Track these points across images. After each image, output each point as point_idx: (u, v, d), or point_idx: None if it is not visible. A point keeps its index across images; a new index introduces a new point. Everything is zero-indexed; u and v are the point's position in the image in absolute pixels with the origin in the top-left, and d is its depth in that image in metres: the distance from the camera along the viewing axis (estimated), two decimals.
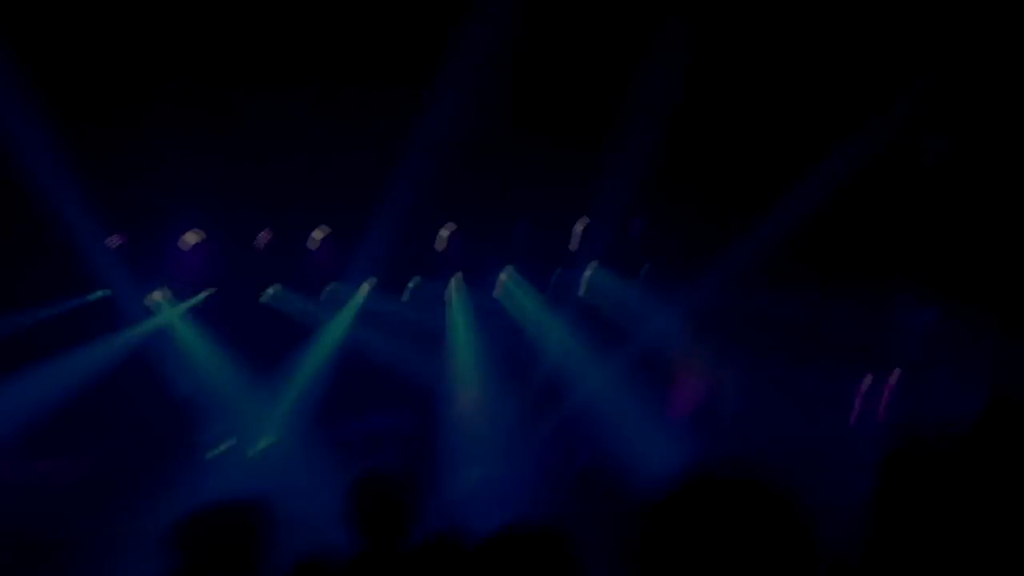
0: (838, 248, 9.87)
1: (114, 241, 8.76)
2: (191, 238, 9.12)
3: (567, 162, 9.12)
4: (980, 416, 3.81)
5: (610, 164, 8.88)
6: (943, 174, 9.09)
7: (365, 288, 9.93)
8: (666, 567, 1.61)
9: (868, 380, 8.37)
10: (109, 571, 5.38)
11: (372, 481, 2.91)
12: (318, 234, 9.62)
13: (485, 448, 7.67)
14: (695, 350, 7.52)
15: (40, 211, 7.50)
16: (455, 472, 7.16)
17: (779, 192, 9.17)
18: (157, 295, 9.16)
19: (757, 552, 1.49)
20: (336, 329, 9.62)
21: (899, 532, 2.11)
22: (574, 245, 10.45)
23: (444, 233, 10.07)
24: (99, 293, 8.78)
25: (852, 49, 7.86)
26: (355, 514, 2.88)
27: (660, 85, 7.73)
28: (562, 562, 2.49)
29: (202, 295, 9.31)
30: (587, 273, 10.66)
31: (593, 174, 9.19)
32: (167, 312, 9.19)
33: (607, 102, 8.22)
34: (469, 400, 8.28)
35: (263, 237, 9.39)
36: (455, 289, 10.35)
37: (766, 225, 9.30)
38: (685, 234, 10.32)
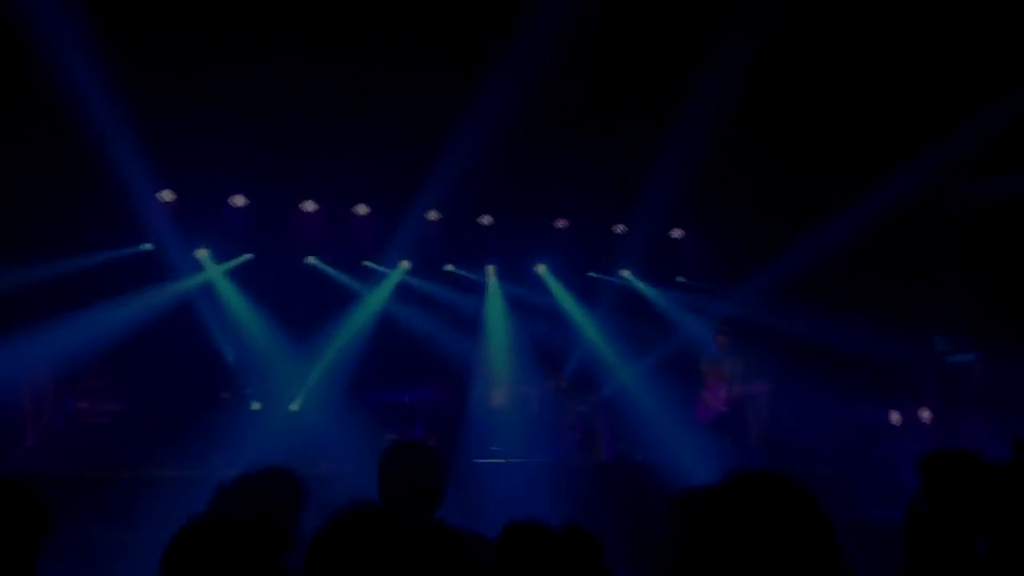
0: (881, 278, 9.82)
1: (164, 197, 8.95)
2: (238, 200, 9.28)
3: (612, 166, 9.17)
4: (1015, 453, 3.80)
5: (654, 171, 8.88)
6: (991, 215, 9.01)
7: (403, 266, 10.07)
8: (700, 563, 1.65)
9: (899, 415, 8.30)
10: (142, 513, 5.53)
11: (404, 449, 2.84)
12: (361, 209, 9.75)
13: (511, 432, 7.75)
14: (728, 359, 7.51)
15: (97, 163, 7.68)
16: (479, 452, 7.24)
17: (824, 215, 9.15)
18: (202, 252, 9.34)
19: (786, 551, 1.53)
20: (373, 303, 9.74)
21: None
22: (612, 247, 10.51)
23: (485, 221, 10.16)
24: (147, 246, 8.99)
25: (906, 86, 7.82)
26: (387, 479, 2.79)
27: (711, 98, 7.71)
28: (592, 559, 2.54)
29: (243, 257, 9.50)
30: (623, 274, 10.71)
31: (636, 180, 9.21)
32: (210, 270, 9.37)
33: (657, 109, 8.22)
34: (500, 385, 8.36)
35: (308, 207, 9.54)
36: (491, 277, 10.45)
37: (808, 245, 9.28)
38: (725, 246, 10.35)
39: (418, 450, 2.73)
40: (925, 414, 7.84)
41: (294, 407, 7.87)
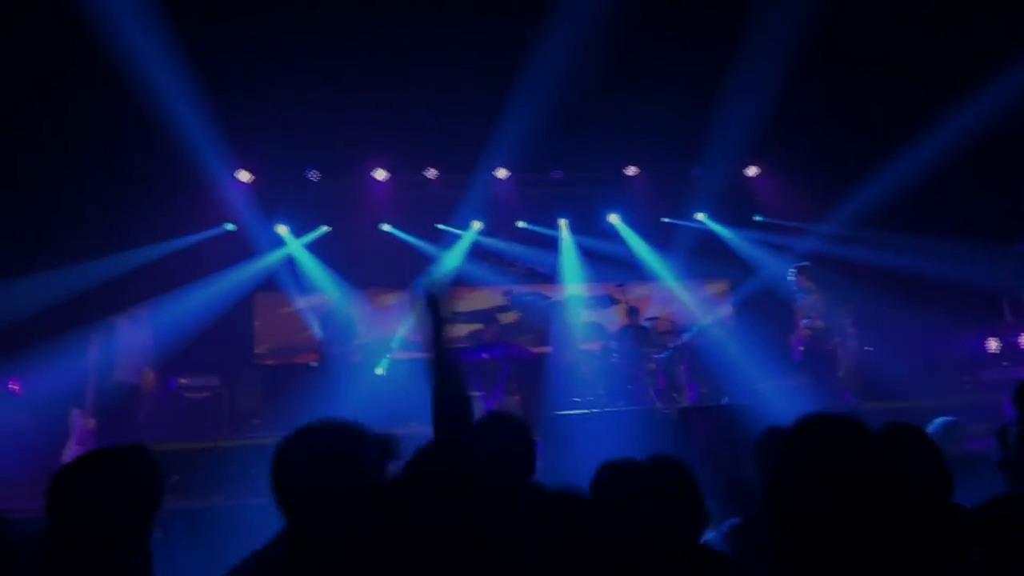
0: (972, 200, 9.30)
1: (242, 177, 9.25)
2: (313, 175, 9.51)
3: (682, 108, 8.90)
4: None
5: (726, 108, 8.59)
6: None
7: (476, 226, 10.13)
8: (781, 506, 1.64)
9: (997, 342, 7.91)
10: (241, 479, 5.82)
11: (496, 421, 2.83)
12: (431, 173, 9.84)
13: (592, 384, 7.78)
14: (808, 296, 7.29)
15: (177, 151, 7.98)
16: (562, 405, 7.30)
17: (908, 139, 8.68)
18: (281, 228, 9.64)
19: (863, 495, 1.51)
20: (447, 264, 9.88)
21: None
22: (685, 191, 10.27)
23: (555, 176, 10.09)
24: (230, 226, 9.34)
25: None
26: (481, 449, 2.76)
27: (782, 25, 7.38)
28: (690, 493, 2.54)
29: (321, 229, 9.76)
30: (698, 217, 10.48)
31: (707, 120, 8.93)
32: (291, 244, 9.68)
33: (726, 47, 7.92)
34: (576, 339, 8.38)
35: (379, 175, 9.69)
36: (564, 231, 10.41)
37: (893, 172, 8.85)
38: (803, 180, 9.98)
39: (508, 422, 2.71)
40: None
41: (380, 371, 8.10)
